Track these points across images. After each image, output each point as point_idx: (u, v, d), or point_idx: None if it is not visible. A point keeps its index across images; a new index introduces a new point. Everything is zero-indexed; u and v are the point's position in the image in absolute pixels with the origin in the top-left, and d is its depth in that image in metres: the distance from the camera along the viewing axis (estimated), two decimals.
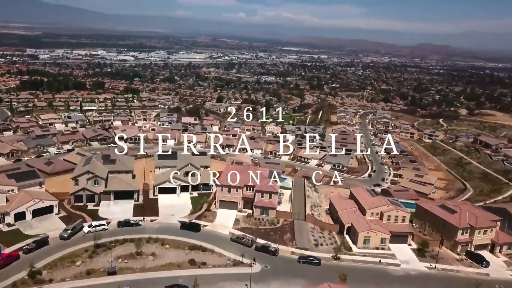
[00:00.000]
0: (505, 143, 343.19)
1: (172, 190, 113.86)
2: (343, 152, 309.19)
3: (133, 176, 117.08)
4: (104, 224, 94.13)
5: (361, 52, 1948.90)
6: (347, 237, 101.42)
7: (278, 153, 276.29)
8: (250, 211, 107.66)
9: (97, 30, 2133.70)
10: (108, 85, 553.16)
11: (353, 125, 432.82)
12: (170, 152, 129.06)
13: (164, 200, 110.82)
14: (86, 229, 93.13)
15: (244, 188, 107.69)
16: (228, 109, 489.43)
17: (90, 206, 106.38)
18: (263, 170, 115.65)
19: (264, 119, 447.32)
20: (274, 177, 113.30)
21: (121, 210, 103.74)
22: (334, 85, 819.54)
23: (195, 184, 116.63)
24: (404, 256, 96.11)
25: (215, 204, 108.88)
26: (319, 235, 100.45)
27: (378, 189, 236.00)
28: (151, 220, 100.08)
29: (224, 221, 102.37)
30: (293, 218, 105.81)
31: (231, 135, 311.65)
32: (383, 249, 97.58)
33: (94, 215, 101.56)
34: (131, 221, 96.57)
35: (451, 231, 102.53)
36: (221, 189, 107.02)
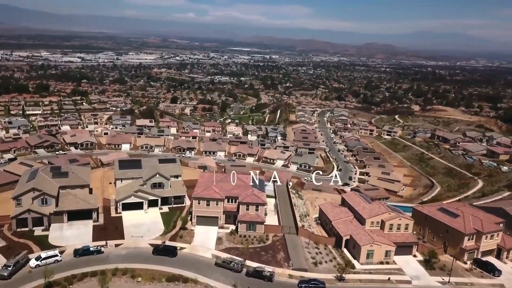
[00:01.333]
0: (462, 138, 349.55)
1: (138, 206, 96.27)
2: (307, 151, 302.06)
3: (90, 191, 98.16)
4: (56, 255, 75.19)
5: (311, 51, 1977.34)
6: (345, 251, 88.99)
7: (243, 155, 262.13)
8: (233, 227, 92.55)
9: (39, 30, 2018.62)
10: (53, 88, 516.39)
11: (312, 124, 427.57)
12: (133, 160, 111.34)
13: (129, 218, 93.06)
14: (33, 262, 73.34)
15: (225, 200, 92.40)
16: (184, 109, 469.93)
17: (38, 231, 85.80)
18: (245, 177, 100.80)
19: (222, 119, 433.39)
20: (260, 185, 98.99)
21: (77, 234, 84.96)
22: (287, 84, 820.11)
23: (165, 196, 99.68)
24: (412, 270, 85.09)
25: (191, 220, 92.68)
26: (315, 251, 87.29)
27: (347, 188, 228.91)
28: (116, 245, 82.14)
29: (204, 241, 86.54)
30: (283, 232, 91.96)
31: (191, 137, 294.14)
32: (387, 263, 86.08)
33: (43, 243, 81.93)
34: (91, 248, 78.37)
35: (456, 237, 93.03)
36: (198, 203, 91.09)
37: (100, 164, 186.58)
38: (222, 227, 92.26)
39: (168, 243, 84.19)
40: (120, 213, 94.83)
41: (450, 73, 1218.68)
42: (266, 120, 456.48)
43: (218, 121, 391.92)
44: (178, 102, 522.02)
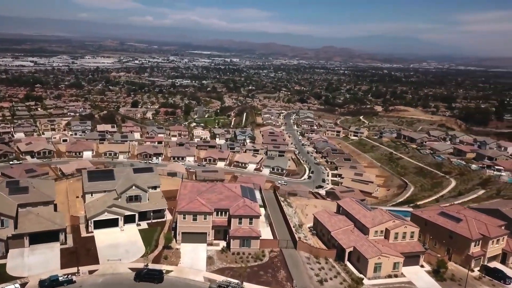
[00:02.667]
0: (427, 137, 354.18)
1: (112, 223, 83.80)
2: (277, 154, 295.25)
3: (55, 208, 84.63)
4: None
5: (271, 55, 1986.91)
6: (349, 264, 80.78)
7: (213, 160, 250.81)
8: (224, 243, 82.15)
9: None
10: (4, 93, 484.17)
11: (279, 126, 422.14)
12: (103, 170, 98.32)
13: (103, 238, 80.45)
14: None
15: (214, 213, 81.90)
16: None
17: None
18: (234, 186, 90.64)
19: (187, 123, 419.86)
20: (250, 194, 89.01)
21: (42, 261, 71.63)
22: (250, 87, 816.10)
23: (143, 211, 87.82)
24: (423, 282, 78.19)
25: (175, 238, 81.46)
26: (317, 266, 78.56)
27: (322, 191, 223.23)
28: (90, 272, 69.59)
29: (193, 261, 75.57)
30: (280, 247, 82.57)
31: (156, 142, 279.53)
32: (396, 276, 78.69)
33: (0, 274, 68.55)
34: (60, 278, 65.53)
35: (461, 243, 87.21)
36: (184, 218, 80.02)
37: (60, 174, 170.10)
38: (211, 244, 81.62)
39: (151, 266, 72.67)
40: (92, 232, 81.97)
41: (405, 75, 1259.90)
42: (232, 123, 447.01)
43: (183, 125, 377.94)
44: (139, 106, 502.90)
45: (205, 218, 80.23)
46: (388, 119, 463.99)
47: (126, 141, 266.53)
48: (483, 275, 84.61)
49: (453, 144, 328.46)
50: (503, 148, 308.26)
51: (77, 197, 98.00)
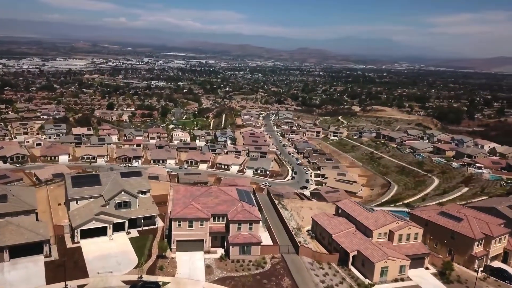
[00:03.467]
0: (407, 136, 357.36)
1: (100, 232, 77.64)
2: (259, 155, 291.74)
3: (36, 217, 77.79)
4: None
5: (246, 56, 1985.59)
6: (353, 269, 77.31)
7: (195, 162, 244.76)
8: (222, 250, 77.36)
9: None
10: None
11: (260, 127, 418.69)
12: (89, 175, 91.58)
13: (91, 248, 74.29)
14: None
15: (211, 219, 76.97)
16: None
17: None
18: (230, 190, 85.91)
19: (165, 125, 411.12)
20: (248, 198, 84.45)
21: (25, 276, 65.04)
22: (227, 89, 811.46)
23: (134, 218, 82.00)
24: (431, 286, 75.70)
25: (170, 246, 76.06)
26: (321, 272, 74.77)
27: (307, 192, 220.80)
28: (79, 287, 63.36)
29: (191, 271, 70.45)
30: (281, 252, 78.37)
31: (135, 145, 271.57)
32: (402, 280, 75.75)
33: None
34: None
35: (464, 243, 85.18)
36: (179, 224, 74.78)
37: (36, 179, 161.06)
38: (208, 252, 76.63)
39: (146, 277, 67.22)
40: (78, 242, 75.60)
41: (378, 75, 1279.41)
42: (211, 125, 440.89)
43: (161, 127, 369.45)
44: (115, 109, 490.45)
45: (201, 225, 75.27)
46: (366, 119, 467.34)
47: (104, 144, 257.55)
48: (487, 275, 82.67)
49: (432, 142, 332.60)
50: (479, 146, 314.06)
51: (59, 204, 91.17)
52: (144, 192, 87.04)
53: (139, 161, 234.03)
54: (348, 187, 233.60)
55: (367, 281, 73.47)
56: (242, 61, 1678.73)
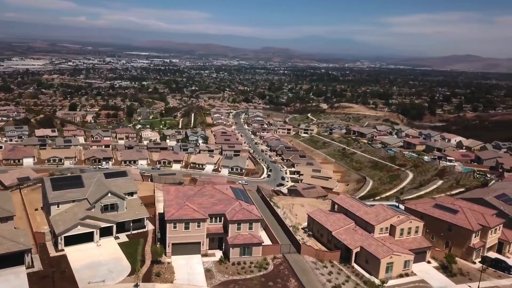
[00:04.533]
0: (377, 131, 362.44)
1: (86, 238, 70.93)
2: (232, 153, 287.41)
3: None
4: None
5: (211, 55, 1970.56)
6: (356, 266, 74.59)
7: (168, 162, 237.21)
8: (220, 252, 72.65)
9: None
10: None
11: (230, 126, 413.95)
12: (70, 177, 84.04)
13: (77, 256, 67.65)
14: None
15: (208, 220, 72.08)
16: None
17: None
18: (225, 188, 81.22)
19: (131, 125, 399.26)
20: (244, 196, 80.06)
21: None
22: (193, 88, 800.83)
23: (122, 221, 75.80)
24: (435, 280, 73.90)
25: (164, 250, 70.54)
26: (326, 271, 71.60)
27: (284, 189, 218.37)
28: None
29: (190, 276, 65.36)
30: (282, 252, 74.55)
31: (103, 146, 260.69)
32: (407, 275, 73.72)
33: None
34: None
35: (462, 235, 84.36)
36: (174, 227, 69.45)
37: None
38: (206, 255, 71.67)
39: (143, 285, 61.68)
40: (63, 250, 68.70)
41: (341, 74, 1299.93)
42: (180, 124, 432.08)
43: (128, 127, 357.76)
44: (78, 109, 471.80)
45: (198, 226, 70.28)
46: (335, 115, 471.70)
47: (70, 145, 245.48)
48: (486, 266, 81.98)
49: (400, 137, 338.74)
50: (447, 140, 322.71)
51: (36, 209, 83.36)
52: (131, 193, 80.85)
53: (109, 162, 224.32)
54: (324, 183, 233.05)
55: (372, 278, 70.86)
56: (207, 60, 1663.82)
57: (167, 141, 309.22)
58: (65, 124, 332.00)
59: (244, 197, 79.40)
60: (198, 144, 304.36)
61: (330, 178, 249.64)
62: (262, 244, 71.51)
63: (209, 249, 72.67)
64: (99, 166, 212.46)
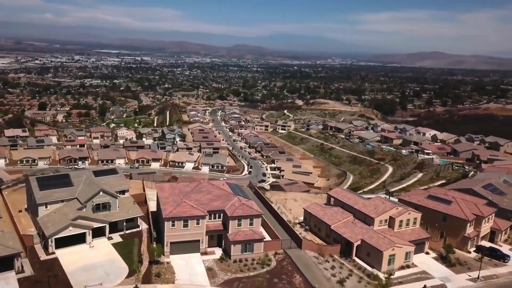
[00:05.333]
0: (353, 127, 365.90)
1: (78, 239, 67.05)
2: (211, 151, 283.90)
3: None
4: None
5: (183, 53, 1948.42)
6: (357, 259, 73.67)
7: (147, 161, 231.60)
8: (219, 250, 70.21)
9: None
10: None
11: (207, 123, 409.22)
12: (57, 176, 79.09)
13: (70, 259, 63.76)
14: None
15: (207, 217, 69.45)
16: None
17: None
18: (221, 184, 78.68)
19: (105, 124, 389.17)
20: (241, 191, 77.73)
21: None
22: (166, 85, 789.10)
23: (115, 221, 72.18)
24: (436, 270, 73.82)
25: (162, 249, 67.49)
26: (328, 265, 70.30)
27: (266, 185, 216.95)
28: None
29: (191, 276, 62.66)
30: (283, 248, 72.82)
31: (78, 145, 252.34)
32: (408, 266, 73.35)
33: None
34: None
35: (456, 225, 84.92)
36: (173, 225, 66.55)
37: None
38: (205, 253, 69.05)
39: (143, 287, 58.63)
40: (54, 253, 64.78)
41: (314, 71, 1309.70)
42: (155, 122, 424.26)
43: (102, 126, 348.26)
44: (48, 109, 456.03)
45: (197, 223, 67.60)
46: (311, 112, 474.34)
47: (43, 145, 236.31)
48: (481, 255, 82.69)
49: (376, 132, 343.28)
50: (422, 133, 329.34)
51: (20, 211, 78.52)
52: (123, 192, 77.18)
53: (86, 162, 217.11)
54: (305, 178, 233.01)
55: (375, 271, 70.04)
56: (179, 58, 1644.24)
57: (144, 139, 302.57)
58: (35, 124, 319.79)
59: (242, 193, 77.20)
60: (175, 142, 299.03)
61: (311, 173, 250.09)
62: (264, 240, 69.44)
63: (208, 247, 70.16)
64: (75, 166, 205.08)
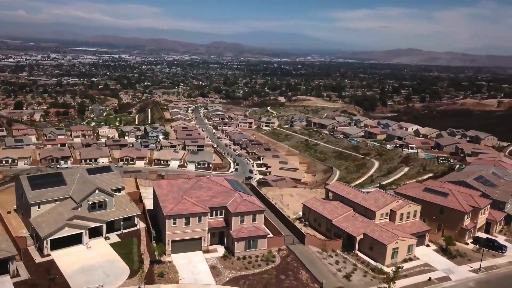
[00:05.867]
0: (337, 123, 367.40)
1: (74, 239, 64.14)
2: (196, 148, 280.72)
3: None
4: None
5: (162, 50, 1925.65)
6: (359, 254, 72.95)
7: (131, 159, 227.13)
8: (221, 248, 68.42)
9: None
10: None
11: (190, 120, 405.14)
12: (49, 174, 75.23)
13: (67, 261, 60.92)
14: None
15: (208, 214, 67.45)
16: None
17: None
18: (221, 180, 76.71)
19: (85, 123, 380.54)
20: (241, 187, 76.00)
21: None
22: (146, 83, 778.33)
23: (111, 220, 69.49)
24: (438, 262, 73.73)
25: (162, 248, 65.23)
26: (332, 260, 69.34)
27: (254, 182, 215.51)
28: None
29: (195, 275, 60.62)
30: (286, 243, 71.52)
31: (59, 145, 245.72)
32: (411, 259, 72.99)
33: None
34: None
35: (454, 217, 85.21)
36: (174, 223, 64.43)
37: None
38: (208, 251, 67.10)
39: None
40: (50, 255, 61.78)
41: (294, 68, 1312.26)
42: (137, 120, 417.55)
43: (82, 125, 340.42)
44: (25, 108, 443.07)
45: (199, 221, 65.57)
46: (294, 108, 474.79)
47: (23, 145, 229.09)
48: (479, 247, 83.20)
49: (360, 128, 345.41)
50: (404, 128, 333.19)
51: (9, 212, 74.83)
52: (119, 190, 74.41)
53: (68, 161, 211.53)
54: (292, 174, 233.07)
55: (379, 265, 69.43)
56: (157, 56, 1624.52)
57: (126, 137, 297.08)
58: (12, 123, 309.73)
59: (242, 189, 75.56)
60: (158, 140, 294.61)
61: (297, 169, 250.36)
62: (268, 236, 67.94)
63: (210, 244, 68.20)
64: (57, 166, 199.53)
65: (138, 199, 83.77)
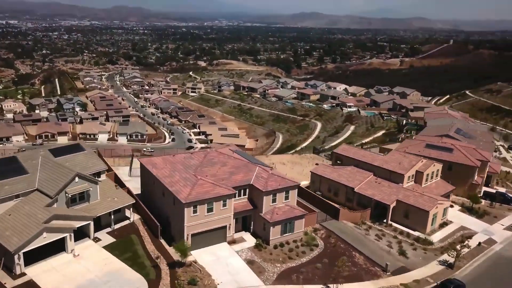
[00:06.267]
0: (266, 86, 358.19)
1: (54, 248, 46.11)
2: (121, 119, 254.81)
3: None
4: None
5: (57, 16, 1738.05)
6: (394, 224, 64.16)
7: (52, 135, 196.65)
8: (247, 235, 54.66)
9: None
10: None
11: (106, 89, 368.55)
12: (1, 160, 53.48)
13: (52, 280, 41.88)
14: None
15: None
16: None
17: None
18: (231, 152, 61.58)
19: None
20: (253, 159, 61.73)
21: None
22: (44, 51, 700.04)
23: (100, 215, 51.66)
24: (472, 224, 67.61)
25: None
26: (373, 234, 59.58)
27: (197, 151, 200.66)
28: None
29: (233, 276, 46.13)
30: (318, 221, 59.88)
31: None
32: (446, 224, 65.95)
33: None
34: None
35: (464, 173, 79.91)
36: (195, 211, 49.04)
37: None
38: (233, 241, 52.86)
39: None
40: (25, 274, 43.19)
41: (204, 32, 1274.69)
42: (43, 92, 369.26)
43: None
44: None
45: (224, 205, 50.83)
46: (218, 72, 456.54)
47: None
48: (490, 201, 79.42)
49: (288, 89, 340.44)
50: (332, 88, 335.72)
51: None
52: (98, 174, 55.88)
53: None
54: (235, 140, 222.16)
55: (421, 235, 61.12)
56: (52, 21, 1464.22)
57: (37, 111, 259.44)
58: None
59: (255, 160, 61.51)
60: (76, 113, 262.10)
61: (239, 135, 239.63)
62: (306, 215, 55.54)
63: (234, 232, 54.11)
64: None
65: (114, 181, 65.40)
